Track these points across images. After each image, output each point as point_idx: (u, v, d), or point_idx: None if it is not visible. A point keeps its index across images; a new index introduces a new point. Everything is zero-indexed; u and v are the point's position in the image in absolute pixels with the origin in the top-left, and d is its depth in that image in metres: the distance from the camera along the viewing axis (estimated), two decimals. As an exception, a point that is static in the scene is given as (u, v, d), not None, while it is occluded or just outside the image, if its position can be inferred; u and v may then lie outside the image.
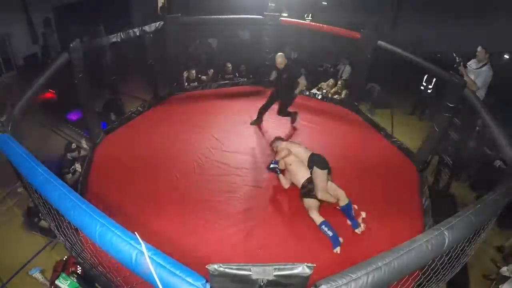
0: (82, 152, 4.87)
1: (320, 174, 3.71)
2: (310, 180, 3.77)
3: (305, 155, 3.93)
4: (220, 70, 7.37)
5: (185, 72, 6.74)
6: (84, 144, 5.02)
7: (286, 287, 1.37)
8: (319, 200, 3.69)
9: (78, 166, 4.54)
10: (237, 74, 7.29)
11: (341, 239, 3.42)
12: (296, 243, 3.46)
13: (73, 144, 4.71)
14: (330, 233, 3.40)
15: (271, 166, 4.18)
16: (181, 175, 4.31)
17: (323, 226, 3.46)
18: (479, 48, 4.46)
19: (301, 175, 3.85)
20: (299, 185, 3.86)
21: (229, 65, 7.24)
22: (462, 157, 4.87)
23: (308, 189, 3.74)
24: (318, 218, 3.53)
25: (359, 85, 6.30)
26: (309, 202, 3.69)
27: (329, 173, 3.82)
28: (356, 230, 3.59)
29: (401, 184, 4.45)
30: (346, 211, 3.68)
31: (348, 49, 7.74)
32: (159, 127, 5.37)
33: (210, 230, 3.58)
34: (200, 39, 9.52)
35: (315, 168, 3.74)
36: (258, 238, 3.52)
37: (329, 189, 3.74)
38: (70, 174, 4.47)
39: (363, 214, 3.77)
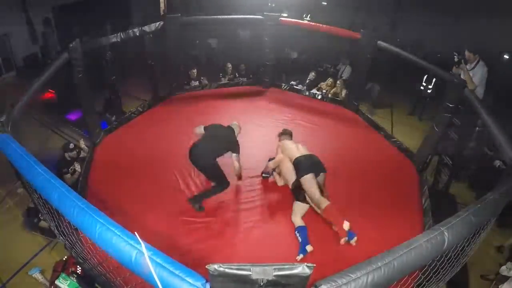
0: (82, 153, 4.86)
1: (305, 182, 3.59)
2: (297, 183, 3.74)
3: (295, 157, 3.78)
4: (220, 70, 7.37)
5: (194, 70, 6.78)
6: (82, 144, 5.01)
7: (286, 287, 1.37)
8: (307, 203, 3.68)
9: (77, 166, 4.54)
10: (237, 74, 7.29)
11: (309, 249, 3.32)
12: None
13: (71, 144, 4.71)
14: (300, 239, 3.41)
15: (264, 175, 4.30)
16: (181, 175, 4.31)
17: (296, 231, 3.48)
18: (466, 53, 4.50)
19: (290, 178, 3.84)
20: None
21: (229, 65, 7.24)
22: (462, 157, 4.87)
23: (296, 191, 3.74)
24: (298, 222, 3.56)
25: (359, 85, 6.31)
26: (297, 206, 3.69)
27: (317, 175, 3.65)
28: (350, 241, 3.38)
29: (401, 184, 4.45)
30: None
31: (348, 49, 7.74)
32: (159, 127, 5.36)
33: (209, 230, 3.59)
34: (200, 39, 9.53)
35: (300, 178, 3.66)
36: (258, 237, 3.53)
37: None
38: (69, 174, 4.47)
39: (346, 226, 3.47)
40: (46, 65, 3.91)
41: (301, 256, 3.31)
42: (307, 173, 3.60)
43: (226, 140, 3.88)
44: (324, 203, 3.49)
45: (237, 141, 3.98)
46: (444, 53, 7.55)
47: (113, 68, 6.73)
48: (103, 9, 9.12)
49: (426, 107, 7.40)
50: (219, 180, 3.82)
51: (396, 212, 3.89)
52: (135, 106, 5.93)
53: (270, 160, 4.33)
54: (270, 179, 4.31)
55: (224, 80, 7.12)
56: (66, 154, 4.62)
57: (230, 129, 4.05)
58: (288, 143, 4.03)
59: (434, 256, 1.78)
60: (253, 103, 6.37)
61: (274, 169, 4.21)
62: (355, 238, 3.41)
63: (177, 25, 5.86)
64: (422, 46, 9.20)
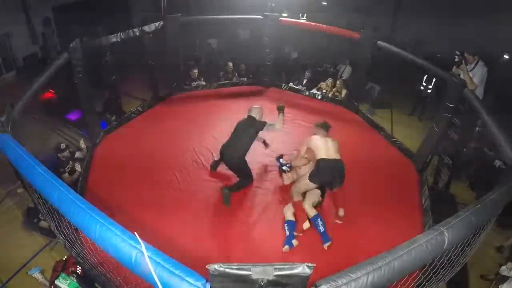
0: (77, 154, 4.86)
1: (307, 183, 3.60)
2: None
3: (321, 157, 3.57)
4: (220, 70, 7.37)
5: (195, 70, 6.79)
6: (82, 144, 5.02)
7: (286, 287, 1.37)
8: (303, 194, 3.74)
9: (78, 166, 4.55)
10: (236, 74, 7.29)
11: (295, 243, 3.39)
12: (298, 244, 3.45)
13: (62, 145, 4.77)
14: (287, 233, 3.46)
15: (284, 168, 4.21)
16: (181, 175, 4.30)
17: (286, 224, 3.54)
18: (465, 54, 4.53)
19: (305, 173, 3.85)
20: None
21: (230, 64, 7.24)
22: (462, 157, 4.87)
23: None
24: (288, 216, 3.61)
25: (359, 85, 6.30)
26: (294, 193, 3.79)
27: (321, 187, 3.72)
28: (324, 246, 3.37)
29: (401, 184, 4.45)
30: (314, 223, 3.53)
31: (348, 49, 7.74)
32: (158, 127, 5.36)
33: (210, 229, 3.59)
34: (200, 39, 9.53)
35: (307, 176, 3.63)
36: (259, 237, 3.53)
37: (307, 195, 3.69)
38: (67, 174, 4.49)
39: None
40: (46, 65, 3.90)
41: (287, 247, 3.35)
42: (316, 184, 3.58)
43: (249, 129, 3.98)
44: (298, 198, 3.73)
45: (260, 121, 4.07)
46: (444, 53, 7.56)
47: (113, 68, 6.73)
48: (103, 9, 9.12)
49: (426, 107, 7.41)
50: (246, 176, 4.06)
51: (396, 212, 3.89)
52: (135, 106, 5.93)
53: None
54: (273, 178, 4.30)
55: (223, 80, 7.12)
56: (59, 155, 4.64)
57: (250, 118, 4.13)
58: (318, 140, 3.71)
59: (434, 256, 1.78)
60: (253, 103, 6.34)
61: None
62: (329, 243, 3.39)
63: (177, 25, 5.86)
64: (422, 46, 9.20)
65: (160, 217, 3.62)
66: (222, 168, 4.42)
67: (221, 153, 4.03)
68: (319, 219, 3.50)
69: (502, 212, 2.30)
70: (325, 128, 3.90)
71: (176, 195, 3.99)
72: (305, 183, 3.64)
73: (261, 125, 4.05)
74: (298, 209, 3.66)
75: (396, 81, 7.32)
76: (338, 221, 3.73)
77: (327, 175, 3.53)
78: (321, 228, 3.44)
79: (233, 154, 3.92)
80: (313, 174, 3.56)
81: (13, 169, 2.43)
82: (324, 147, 3.60)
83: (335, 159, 3.56)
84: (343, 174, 3.61)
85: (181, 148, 4.82)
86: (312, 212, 3.57)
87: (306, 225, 3.55)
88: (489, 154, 5.53)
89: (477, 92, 4.33)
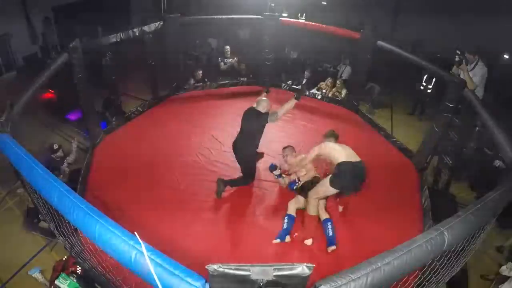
0: (67, 159, 4.88)
1: (328, 188, 3.33)
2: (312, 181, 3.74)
3: (342, 160, 3.30)
4: (219, 54, 7.41)
5: (200, 72, 6.82)
6: (74, 144, 5.01)
7: (286, 287, 1.37)
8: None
9: (70, 158, 4.63)
10: (236, 58, 7.28)
11: (287, 239, 3.44)
12: (297, 243, 3.46)
13: (55, 145, 4.79)
14: (285, 226, 3.50)
15: (294, 187, 4.00)
16: (181, 175, 4.30)
17: (286, 217, 3.56)
18: (466, 54, 4.52)
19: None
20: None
21: (228, 48, 7.23)
22: (462, 157, 4.86)
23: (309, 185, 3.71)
24: (291, 210, 3.63)
25: (359, 85, 6.30)
26: (300, 198, 3.75)
27: (345, 191, 3.56)
28: (328, 249, 3.35)
29: (401, 184, 4.45)
30: (324, 226, 3.52)
31: (348, 49, 7.74)
32: (159, 127, 5.36)
33: (210, 230, 3.59)
34: (200, 39, 9.53)
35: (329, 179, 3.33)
36: (258, 238, 3.52)
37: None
38: (61, 175, 4.50)
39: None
40: (46, 65, 3.91)
41: (278, 240, 3.39)
42: (338, 189, 3.35)
43: (255, 123, 3.92)
44: (313, 212, 3.49)
45: (265, 114, 3.87)
46: (444, 53, 7.56)
47: (113, 68, 6.74)
48: (103, 9, 9.11)
49: (426, 107, 7.41)
50: (247, 173, 4.05)
51: (396, 212, 3.89)
52: (135, 106, 5.93)
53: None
54: (273, 179, 4.30)
55: (223, 65, 7.14)
56: (53, 155, 4.66)
57: (255, 111, 3.98)
58: (334, 145, 3.54)
59: (434, 256, 1.78)
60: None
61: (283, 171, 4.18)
62: (334, 248, 3.36)
63: (177, 25, 5.86)
64: (422, 46, 9.19)
65: (160, 217, 3.62)
66: (224, 168, 4.43)
67: (234, 147, 4.04)
68: (330, 223, 3.48)
69: (502, 212, 2.30)
70: (334, 136, 3.88)
71: (176, 195, 3.99)
72: (325, 189, 3.36)
73: (265, 118, 3.88)
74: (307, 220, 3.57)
75: (396, 81, 7.32)
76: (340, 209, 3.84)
77: (349, 178, 3.25)
78: (330, 232, 3.43)
79: (245, 151, 3.96)
80: (335, 178, 3.26)
81: (13, 169, 2.42)
82: (343, 150, 3.37)
83: (356, 161, 3.31)
84: (365, 176, 3.36)
85: (181, 148, 4.82)
86: (324, 215, 3.56)
87: (309, 241, 3.45)
88: (489, 154, 5.53)
89: (477, 92, 4.33)
